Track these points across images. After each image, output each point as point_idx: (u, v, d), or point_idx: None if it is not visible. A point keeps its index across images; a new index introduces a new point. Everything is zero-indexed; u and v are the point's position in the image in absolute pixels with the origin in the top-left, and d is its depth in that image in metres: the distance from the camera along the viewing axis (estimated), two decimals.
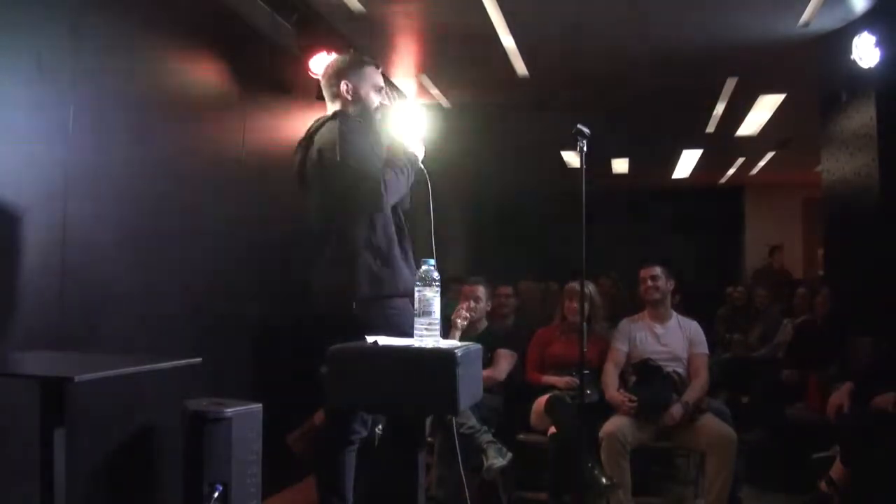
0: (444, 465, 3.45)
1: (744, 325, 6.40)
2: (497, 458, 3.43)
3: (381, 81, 2.72)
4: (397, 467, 2.22)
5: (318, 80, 4.28)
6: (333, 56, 2.79)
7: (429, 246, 2.44)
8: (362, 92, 2.64)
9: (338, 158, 2.40)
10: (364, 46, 4.48)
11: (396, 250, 2.52)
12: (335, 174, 2.43)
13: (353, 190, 2.42)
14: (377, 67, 2.73)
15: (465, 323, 3.81)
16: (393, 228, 2.54)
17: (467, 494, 2.62)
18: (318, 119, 2.66)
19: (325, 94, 2.72)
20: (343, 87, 2.63)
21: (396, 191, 2.48)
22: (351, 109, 2.61)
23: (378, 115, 2.66)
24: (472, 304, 3.95)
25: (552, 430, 3.56)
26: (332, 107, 2.68)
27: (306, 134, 2.65)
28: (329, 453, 2.56)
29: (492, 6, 4.19)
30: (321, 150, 2.48)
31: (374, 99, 2.67)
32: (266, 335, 3.92)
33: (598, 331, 4.07)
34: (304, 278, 2.67)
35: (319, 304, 2.57)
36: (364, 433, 2.60)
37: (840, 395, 3.51)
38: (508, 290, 4.58)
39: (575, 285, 4.00)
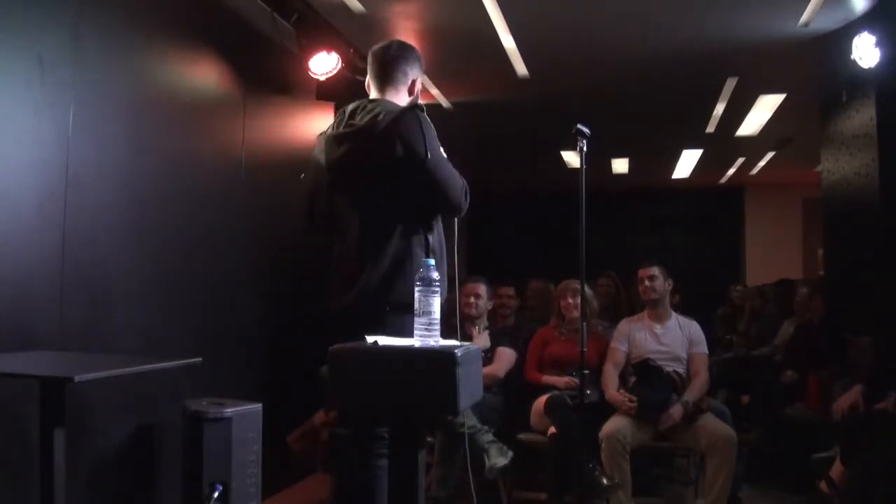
0: (445, 465, 3.46)
1: (743, 325, 6.39)
2: (499, 458, 3.43)
3: None
4: (397, 467, 2.20)
5: (317, 80, 4.35)
6: (393, 41, 2.53)
7: (451, 254, 2.40)
8: (418, 90, 2.52)
9: (428, 156, 2.22)
10: (364, 46, 4.47)
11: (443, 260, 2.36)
12: (419, 171, 2.23)
13: (439, 190, 2.28)
14: None
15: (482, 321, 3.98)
16: (443, 236, 2.41)
17: (474, 496, 2.61)
18: (369, 107, 2.35)
19: (386, 79, 2.44)
20: (413, 79, 2.48)
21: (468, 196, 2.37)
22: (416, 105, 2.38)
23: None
24: (474, 300, 4.02)
25: (552, 430, 3.56)
26: (391, 94, 2.43)
27: (356, 123, 2.33)
28: (355, 468, 2.26)
29: (492, 6, 4.18)
30: (406, 142, 2.23)
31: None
32: (266, 335, 3.93)
33: (597, 331, 4.07)
34: (311, 276, 2.57)
35: (345, 304, 2.27)
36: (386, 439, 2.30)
37: (851, 397, 3.52)
38: (510, 290, 4.60)
39: (569, 283, 4.01)
